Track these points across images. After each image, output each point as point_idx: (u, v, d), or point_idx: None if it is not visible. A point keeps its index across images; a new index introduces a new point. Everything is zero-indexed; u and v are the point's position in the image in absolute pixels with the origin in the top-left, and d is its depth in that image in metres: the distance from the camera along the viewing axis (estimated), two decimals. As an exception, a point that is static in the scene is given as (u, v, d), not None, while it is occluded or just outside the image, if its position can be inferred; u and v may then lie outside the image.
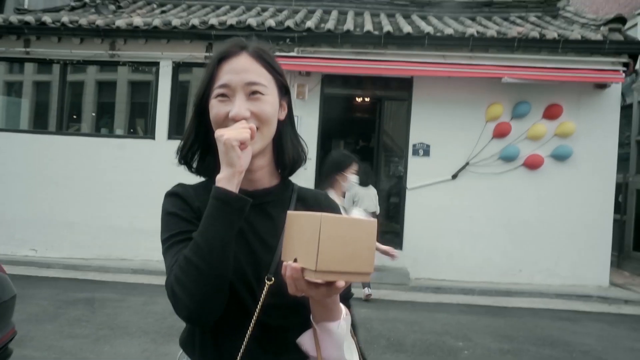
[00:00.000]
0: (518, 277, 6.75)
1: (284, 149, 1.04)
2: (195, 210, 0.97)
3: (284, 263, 0.81)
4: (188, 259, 0.86)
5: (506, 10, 8.20)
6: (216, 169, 0.92)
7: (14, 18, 6.96)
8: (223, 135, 0.86)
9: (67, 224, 7.06)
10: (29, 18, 6.89)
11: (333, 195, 2.96)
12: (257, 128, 0.93)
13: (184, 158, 1.03)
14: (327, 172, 3.18)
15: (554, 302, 6.12)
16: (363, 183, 5.90)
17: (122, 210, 6.96)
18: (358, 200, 5.96)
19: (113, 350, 3.83)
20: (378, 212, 6.12)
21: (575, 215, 6.71)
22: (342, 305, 0.93)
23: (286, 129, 1.04)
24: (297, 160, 1.06)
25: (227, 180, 0.87)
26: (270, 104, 0.96)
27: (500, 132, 6.76)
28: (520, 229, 6.75)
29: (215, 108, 0.95)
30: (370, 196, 6.07)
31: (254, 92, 0.94)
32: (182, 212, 0.97)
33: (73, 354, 3.72)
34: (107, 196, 7.02)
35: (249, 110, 0.93)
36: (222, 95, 0.94)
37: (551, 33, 6.56)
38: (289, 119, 1.06)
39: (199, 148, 1.03)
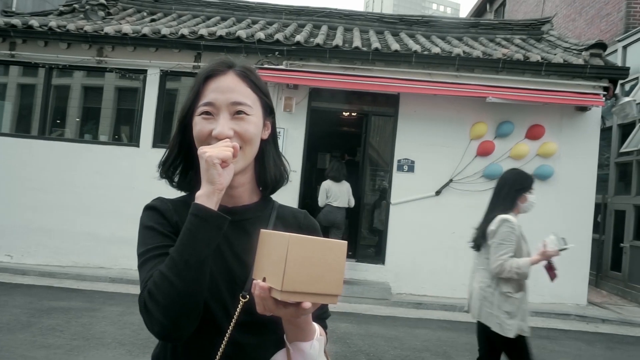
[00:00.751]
0: (499, 295, 6.78)
1: (266, 168, 1.05)
2: (174, 225, 0.97)
3: (254, 281, 0.82)
4: (163, 274, 0.84)
5: (492, 32, 8.40)
6: (197, 184, 0.92)
7: (0, 21, 6.88)
8: (205, 152, 0.86)
9: (45, 230, 6.92)
10: (15, 21, 6.83)
11: (511, 217, 2.81)
12: (240, 147, 0.93)
13: (166, 172, 1.03)
14: (505, 194, 2.96)
15: (533, 320, 6.12)
16: (336, 179, 6.61)
17: (102, 218, 6.86)
18: (331, 196, 6.58)
19: (86, 361, 3.73)
20: (352, 205, 6.73)
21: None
22: (316, 325, 0.93)
23: (269, 148, 1.05)
24: (279, 180, 1.07)
25: (207, 197, 0.86)
26: (253, 124, 0.97)
27: (484, 151, 6.86)
28: (501, 247, 6.80)
29: (199, 125, 0.95)
30: (343, 192, 6.58)
31: (239, 112, 0.95)
32: (159, 226, 0.97)
33: (44, 364, 3.62)
34: (88, 203, 6.91)
35: (232, 130, 0.93)
36: (207, 113, 0.94)
37: (535, 56, 6.73)
38: (272, 138, 1.07)
39: (181, 163, 1.03)
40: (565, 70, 6.68)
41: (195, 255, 0.85)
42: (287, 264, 0.74)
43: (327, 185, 6.56)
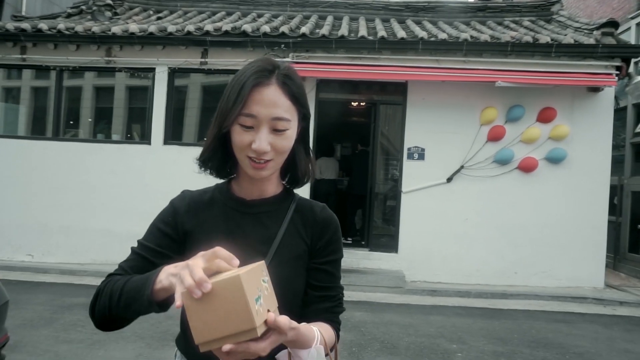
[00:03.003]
0: (514, 279, 6.77)
1: (297, 165, 1.10)
2: (180, 232, 1.06)
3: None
4: (108, 293, 0.96)
5: (500, 15, 8.28)
6: (234, 172, 1.09)
7: (10, 25, 7.00)
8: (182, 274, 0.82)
9: (64, 229, 7.08)
10: (25, 25, 6.93)
11: None
12: (272, 159, 0.99)
13: (205, 165, 1.08)
14: None
15: (550, 304, 6.14)
16: (327, 155, 8.40)
17: (118, 215, 6.99)
18: (320, 169, 8.04)
19: (108, 354, 3.84)
20: (337, 178, 8.48)
21: (570, 217, 6.75)
22: (316, 332, 0.94)
23: (299, 147, 1.10)
24: (307, 176, 1.13)
25: (163, 292, 0.87)
26: (290, 138, 1.02)
27: (495, 136, 6.80)
28: (515, 232, 6.78)
29: (240, 136, 0.98)
30: (329, 167, 8.31)
31: (278, 128, 0.98)
32: (164, 225, 1.06)
33: (68, 358, 3.73)
34: (104, 201, 7.04)
35: (270, 144, 0.97)
36: (248, 125, 0.97)
37: (544, 37, 6.62)
38: (303, 137, 1.11)
39: (218, 155, 1.07)
40: (576, 51, 6.56)
41: (125, 313, 0.93)
42: (189, 319, 0.75)
43: (319, 161, 8.18)
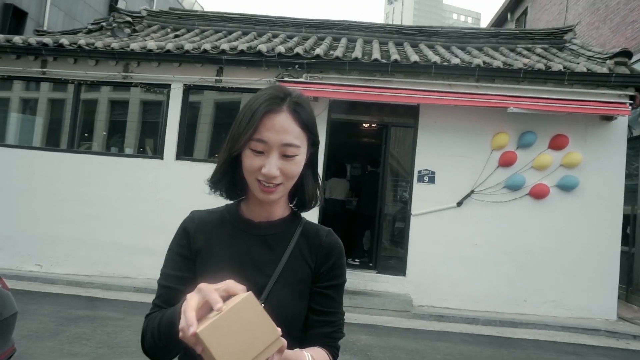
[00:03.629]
0: (523, 308, 6.65)
1: (305, 190, 1.12)
2: (193, 252, 1.08)
3: None
4: (149, 331, 1.00)
5: (513, 42, 8.34)
6: (244, 194, 1.12)
7: (32, 39, 7.19)
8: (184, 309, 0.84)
9: (74, 240, 7.12)
10: (47, 40, 7.12)
11: None
12: (281, 183, 1.03)
13: (215, 186, 1.11)
14: None
15: (560, 335, 6.01)
16: (338, 175, 8.45)
17: (127, 228, 7.02)
18: (330, 189, 8.17)
19: (111, 370, 3.81)
20: (346, 199, 8.44)
21: (581, 246, 6.65)
22: (307, 357, 0.97)
23: (307, 172, 1.12)
24: (315, 200, 1.15)
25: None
26: (299, 164, 1.05)
27: (506, 161, 6.78)
28: (525, 258, 6.70)
29: (250, 160, 1.02)
30: (340, 187, 8.32)
31: (288, 154, 1.01)
32: (180, 249, 1.10)
33: (71, 372, 3.71)
34: (114, 214, 7.09)
35: (279, 170, 1.01)
36: (258, 150, 1.01)
37: (557, 65, 6.64)
38: (311, 163, 1.13)
39: (229, 177, 1.10)
40: (589, 79, 6.57)
41: (168, 345, 0.97)
42: (216, 355, 0.74)
43: (330, 182, 8.31)
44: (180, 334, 0.80)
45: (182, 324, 0.79)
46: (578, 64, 6.84)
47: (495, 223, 6.79)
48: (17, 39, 7.17)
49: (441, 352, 4.98)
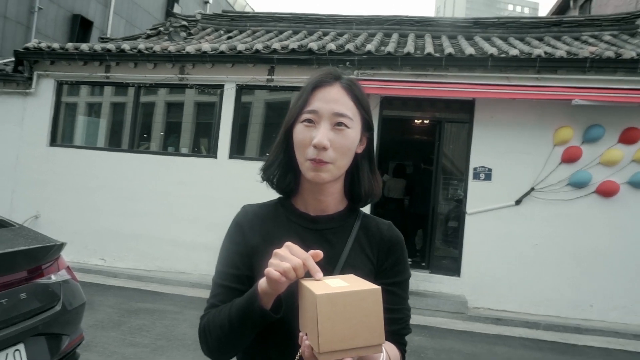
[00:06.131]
0: (589, 313, 6.23)
1: (360, 181, 1.07)
2: (249, 247, 1.04)
3: (300, 334, 0.83)
4: (216, 326, 0.96)
5: (577, 30, 7.84)
6: (296, 188, 1.06)
7: (97, 46, 7.61)
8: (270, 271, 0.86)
9: (134, 236, 7.47)
10: (110, 46, 7.51)
11: None
12: (331, 162, 0.98)
13: (268, 176, 1.08)
14: None
15: (632, 344, 5.57)
16: (397, 175, 8.43)
17: (184, 225, 7.27)
18: (388, 188, 8.06)
19: (169, 361, 3.95)
20: (405, 200, 8.32)
21: (656, 249, 6.14)
22: (383, 349, 0.91)
23: (363, 162, 1.07)
24: (371, 194, 1.08)
25: (266, 295, 0.89)
26: (350, 138, 1.00)
27: (570, 157, 6.38)
28: (591, 260, 6.27)
29: (301, 134, 0.99)
30: (398, 187, 8.22)
31: (339, 124, 0.98)
32: (236, 246, 1.05)
33: (133, 362, 3.88)
34: (171, 211, 7.37)
35: (329, 141, 0.96)
36: (309, 120, 0.98)
37: (629, 52, 6.16)
38: (367, 153, 1.08)
39: (282, 167, 1.07)
40: (665, 67, 6.04)
41: (241, 334, 0.94)
42: (320, 325, 0.71)
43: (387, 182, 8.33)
44: (280, 277, 0.81)
45: (294, 263, 0.81)
46: (652, 50, 6.31)
47: (558, 222, 6.41)
48: (84, 47, 7.61)
49: (500, 356, 4.76)
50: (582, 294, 6.28)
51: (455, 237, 6.94)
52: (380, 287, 0.76)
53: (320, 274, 0.84)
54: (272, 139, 1.09)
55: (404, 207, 8.46)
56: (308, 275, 0.85)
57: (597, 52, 6.23)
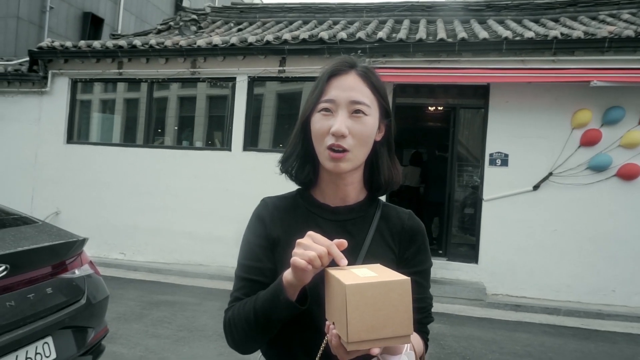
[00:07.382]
0: (611, 298, 6.15)
1: (380, 170, 1.06)
2: (271, 240, 1.04)
3: (327, 323, 0.83)
4: (241, 319, 0.96)
5: (594, 9, 7.64)
6: (314, 179, 1.05)
7: (109, 43, 7.66)
8: (293, 257, 0.86)
9: (152, 230, 7.57)
10: (122, 42, 7.55)
11: None
12: (350, 149, 0.96)
13: (286, 168, 1.08)
14: None
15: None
16: (414, 163, 8.53)
17: (200, 218, 7.34)
18: (405, 176, 8.12)
19: (192, 352, 4.01)
20: (421, 188, 8.41)
21: (679, 232, 6.01)
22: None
23: (382, 150, 1.06)
24: (390, 183, 1.07)
25: (291, 287, 0.89)
26: (369, 126, 0.98)
27: (589, 140, 6.25)
28: (612, 245, 6.17)
29: (318, 123, 0.98)
30: (415, 175, 8.36)
31: (357, 111, 0.97)
32: (258, 238, 1.05)
33: (156, 352, 3.94)
34: (187, 204, 7.44)
35: (348, 128, 0.95)
36: (326, 109, 0.98)
37: (648, 31, 5.99)
38: (387, 141, 1.07)
39: (300, 158, 1.07)
40: (688, 45, 5.86)
41: (267, 326, 0.94)
42: (349, 314, 0.72)
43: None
44: (307, 265, 0.81)
45: (319, 251, 0.82)
46: (673, 28, 6.12)
47: (578, 207, 6.31)
48: (96, 44, 7.67)
49: (520, 342, 4.73)
50: (603, 280, 6.19)
51: (472, 224, 6.88)
52: (409, 278, 0.76)
53: (345, 260, 0.84)
54: (285, 130, 1.09)
55: (419, 195, 8.43)
56: (332, 264, 0.84)
57: (616, 31, 6.07)
